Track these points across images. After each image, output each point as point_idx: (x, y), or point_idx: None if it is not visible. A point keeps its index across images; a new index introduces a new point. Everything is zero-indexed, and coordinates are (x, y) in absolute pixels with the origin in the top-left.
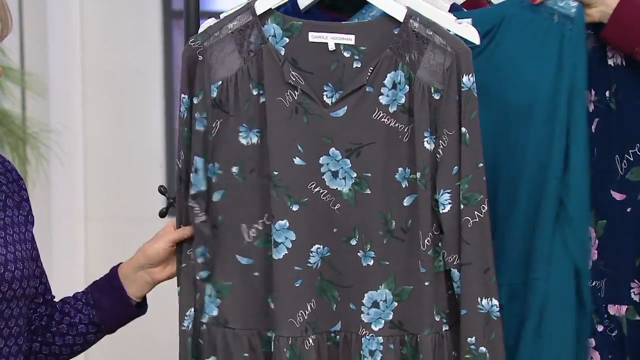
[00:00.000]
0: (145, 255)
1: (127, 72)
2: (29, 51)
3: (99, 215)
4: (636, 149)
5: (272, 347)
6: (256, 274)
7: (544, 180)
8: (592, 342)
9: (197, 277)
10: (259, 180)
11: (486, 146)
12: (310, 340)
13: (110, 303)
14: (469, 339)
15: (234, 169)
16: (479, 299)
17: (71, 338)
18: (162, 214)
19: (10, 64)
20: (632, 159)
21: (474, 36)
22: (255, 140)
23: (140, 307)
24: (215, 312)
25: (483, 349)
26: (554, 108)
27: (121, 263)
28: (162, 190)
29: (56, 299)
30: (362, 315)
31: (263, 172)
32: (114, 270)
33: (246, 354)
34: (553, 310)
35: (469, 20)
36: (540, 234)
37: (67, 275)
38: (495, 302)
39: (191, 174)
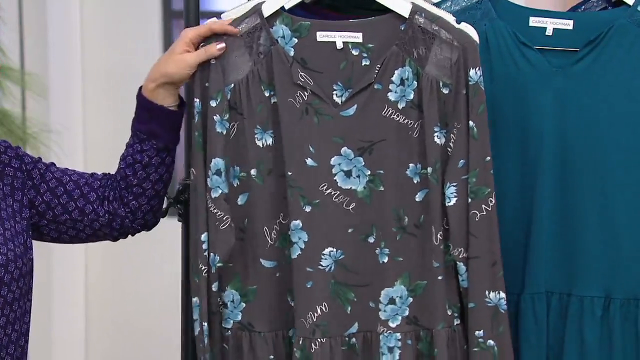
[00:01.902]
0: (171, 79)
1: (127, 72)
2: (29, 51)
3: None
4: None
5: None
6: (278, 274)
7: None
8: None
9: (213, 289)
10: (276, 181)
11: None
12: (317, 343)
13: (161, 125)
14: (477, 332)
15: (253, 171)
16: (487, 292)
17: (155, 174)
18: (162, 214)
19: (10, 63)
20: None
21: (472, 36)
22: (270, 141)
23: (183, 103)
24: (239, 317)
25: (491, 342)
26: None
27: (140, 90)
28: None
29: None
30: (379, 313)
31: (279, 172)
32: (142, 99)
33: (272, 356)
34: None
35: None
36: None
37: (68, 276)
38: (502, 295)
39: (209, 178)
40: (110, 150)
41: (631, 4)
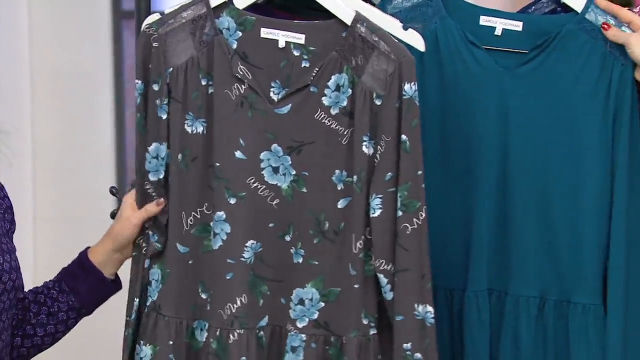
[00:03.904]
0: (116, 241)
1: (76, 72)
2: None
3: (47, 215)
4: None
5: (202, 337)
6: (190, 262)
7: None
8: None
9: (145, 266)
10: (201, 169)
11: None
12: (236, 334)
13: (88, 287)
14: (404, 345)
15: (179, 156)
16: (416, 305)
17: (52, 327)
18: (113, 215)
19: None
20: None
21: (419, 43)
22: (200, 129)
23: (116, 283)
24: (155, 297)
25: (418, 354)
26: (598, 146)
27: (88, 248)
28: (113, 192)
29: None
30: (289, 311)
31: (206, 161)
32: (84, 256)
33: (171, 342)
34: None
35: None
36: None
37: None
38: (429, 308)
39: (148, 161)
40: (58, 150)
41: (579, 10)
